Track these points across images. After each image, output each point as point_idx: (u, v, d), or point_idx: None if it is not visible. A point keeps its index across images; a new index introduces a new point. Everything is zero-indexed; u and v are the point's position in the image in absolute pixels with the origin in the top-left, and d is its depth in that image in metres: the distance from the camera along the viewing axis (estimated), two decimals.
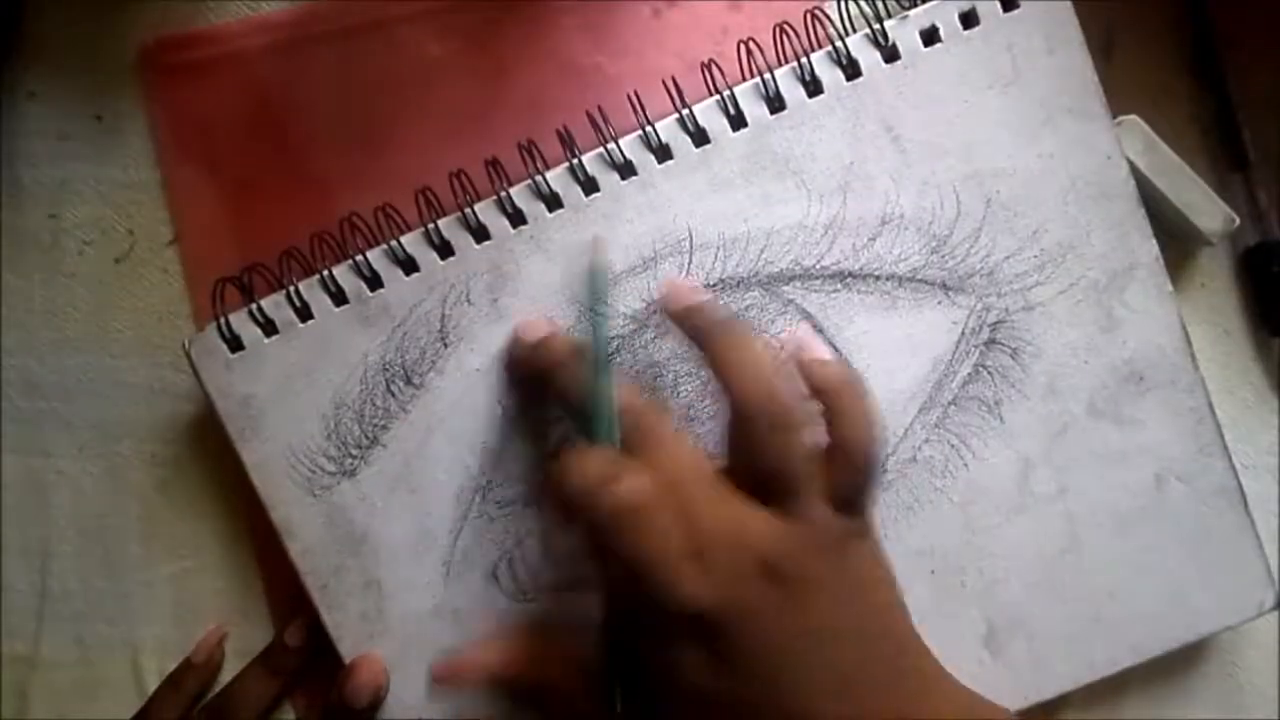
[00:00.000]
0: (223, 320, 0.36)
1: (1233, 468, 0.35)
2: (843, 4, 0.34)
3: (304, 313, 0.36)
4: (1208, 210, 0.35)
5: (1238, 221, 0.35)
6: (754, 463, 0.30)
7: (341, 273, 0.36)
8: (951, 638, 0.36)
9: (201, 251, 0.39)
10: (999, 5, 0.34)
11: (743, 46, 0.34)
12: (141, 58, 0.38)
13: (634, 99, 0.34)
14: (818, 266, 0.35)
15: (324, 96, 0.38)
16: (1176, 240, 0.36)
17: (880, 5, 0.34)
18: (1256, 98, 0.36)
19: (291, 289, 0.35)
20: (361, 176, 0.38)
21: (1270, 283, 0.37)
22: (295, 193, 0.38)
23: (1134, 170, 0.34)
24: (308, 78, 0.38)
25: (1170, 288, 0.35)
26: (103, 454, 0.39)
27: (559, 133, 0.35)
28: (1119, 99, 0.34)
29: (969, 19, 0.34)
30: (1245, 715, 0.37)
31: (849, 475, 0.30)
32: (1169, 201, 0.35)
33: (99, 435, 0.39)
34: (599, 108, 0.35)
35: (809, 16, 0.34)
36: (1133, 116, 0.35)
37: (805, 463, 0.30)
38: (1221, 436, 0.35)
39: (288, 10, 0.38)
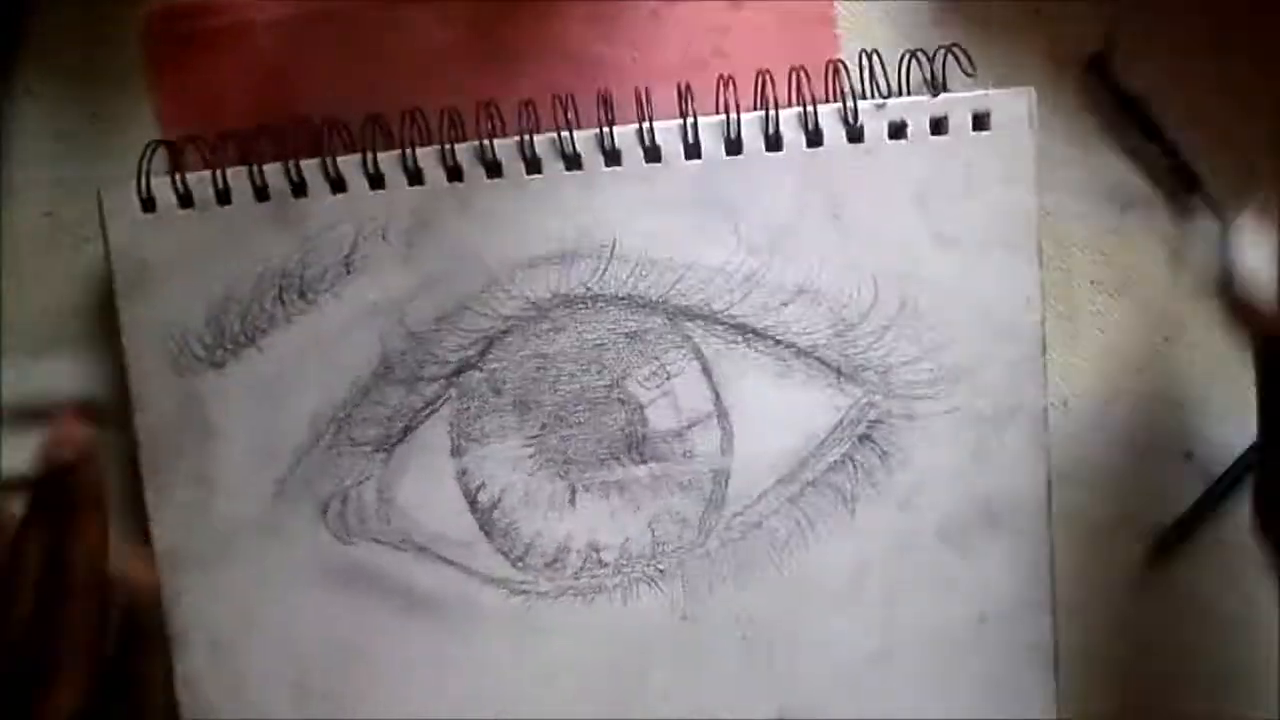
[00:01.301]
0: (144, 179, 0.36)
1: (1054, 627, 0.36)
2: (833, 74, 0.35)
3: (224, 196, 0.36)
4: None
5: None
6: None
7: (272, 171, 0.35)
8: (742, 712, 0.36)
9: None
10: (970, 121, 0.34)
11: (720, 81, 0.35)
12: (146, 25, 0.38)
13: (600, 101, 0.35)
14: (726, 314, 0.35)
15: (326, 72, 0.37)
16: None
17: (867, 85, 0.35)
18: (1192, 114, 0.37)
19: (219, 170, 0.35)
20: None
21: None
22: None
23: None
24: (311, 53, 0.37)
25: (1047, 441, 0.35)
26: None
27: (520, 106, 0.35)
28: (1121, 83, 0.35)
29: (939, 125, 0.34)
30: None
31: None
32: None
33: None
34: (566, 95, 0.35)
35: (794, 74, 0.35)
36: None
37: None
38: (1053, 596, 0.36)
39: None
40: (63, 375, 0.38)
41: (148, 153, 0.36)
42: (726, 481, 0.36)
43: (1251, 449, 0.37)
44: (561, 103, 0.35)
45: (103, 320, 0.38)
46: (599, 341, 0.35)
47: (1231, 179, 0.37)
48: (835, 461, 0.36)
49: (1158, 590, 0.38)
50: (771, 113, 0.34)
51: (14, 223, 0.39)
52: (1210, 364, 0.38)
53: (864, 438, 0.35)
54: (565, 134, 0.35)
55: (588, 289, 0.35)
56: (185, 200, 0.36)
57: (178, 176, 0.36)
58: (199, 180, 0.36)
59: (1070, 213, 0.37)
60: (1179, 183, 0.37)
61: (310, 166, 0.35)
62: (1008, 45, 0.37)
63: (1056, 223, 0.37)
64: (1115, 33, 0.37)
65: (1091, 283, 0.37)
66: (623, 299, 0.35)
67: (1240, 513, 0.37)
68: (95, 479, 0.31)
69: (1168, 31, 0.37)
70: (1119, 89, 0.36)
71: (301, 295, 0.36)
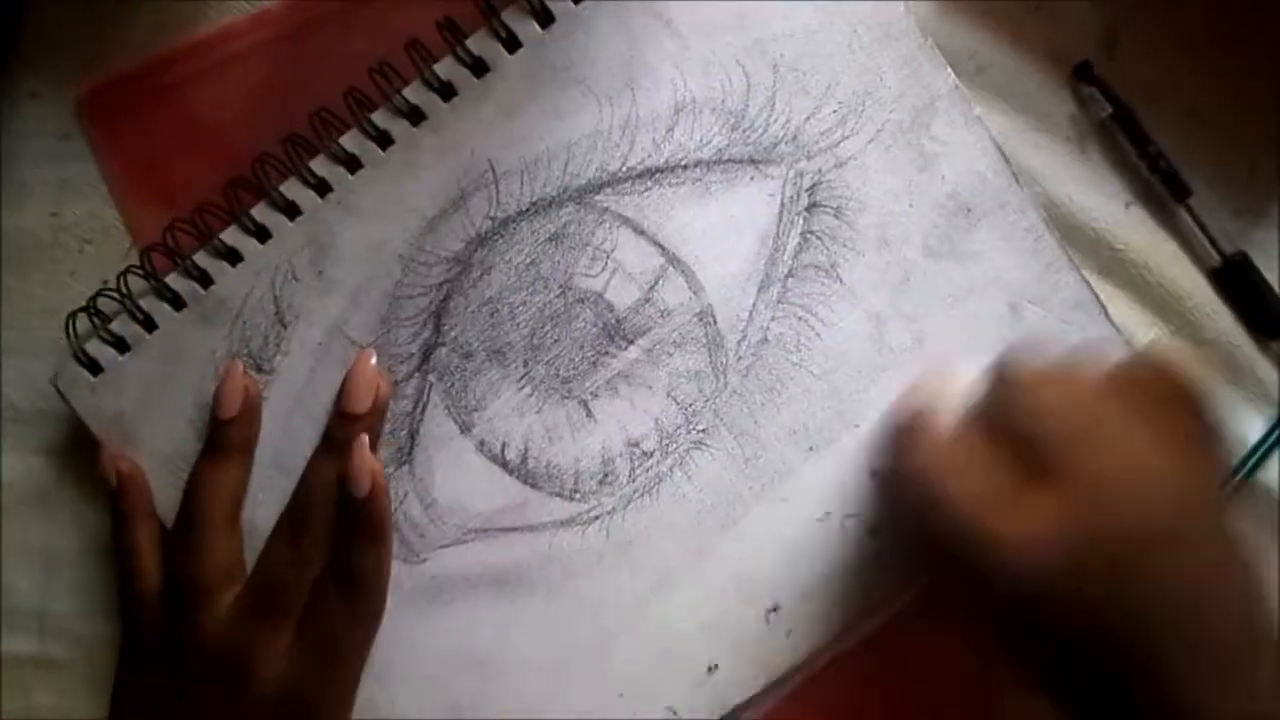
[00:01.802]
0: (78, 348, 0.37)
1: (1084, 280, 0.34)
2: None
3: (148, 324, 0.37)
4: None
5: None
6: None
7: (174, 278, 0.36)
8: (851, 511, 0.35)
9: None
10: None
11: None
12: (80, 109, 0.39)
13: (410, 47, 0.35)
14: (623, 169, 0.35)
15: (254, 112, 0.38)
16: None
17: None
18: (1178, 116, 0.36)
19: (130, 303, 0.36)
20: None
21: (1248, 294, 0.36)
22: None
23: None
24: (237, 96, 0.38)
25: (977, 112, 0.34)
26: None
27: (345, 95, 0.35)
28: (1122, 94, 0.35)
29: None
30: None
31: None
32: None
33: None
34: (383, 62, 0.35)
35: None
36: None
37: None
38: (1065, 251, 0.34)
39: (216, 30, 0.38)
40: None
41: (71, 324, 0.37)
42: (713, 317, 0.35)
43: (1261, 441, 0.36)
44: (377, 71, 0.35)
45: None
46: (529, 260, 0.35)
47: (1232, 179, 0.36)
48: (798, 244, 0.35)
49: None
50: None
51: (17, 223, 0.39)
52: (1220, 356, 0.37)
53: (811, 206, 0.35)
54: (396, 95, 0.35)
55: (492, 219, 0.35)
56: (120, 346, 0.37)
57: (102, 329, 0.37)
58: (122, 322, 0.37)
59: (1076, 209, 0.36)
60: (1168, 191, 0.36)
61: (201, 255, 0.36)
62: (1010, 44, 0.36)
63: (1061, 218, 0.36)
64: (1114, 33, 0.36)
65: (1099, 276, 0.36)
66: (527, 210, 0.35)
67: (1249, 505, 0.36)
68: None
69: (1167, 31, 0.36)
70: (1106, 98, 0.36)
71: (259, 369, 0.36)
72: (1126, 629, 0.28)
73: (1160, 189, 0.36)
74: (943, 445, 0.31)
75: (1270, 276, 0.36)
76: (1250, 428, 0.37)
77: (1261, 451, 0.36)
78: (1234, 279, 0.36)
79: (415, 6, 0.35)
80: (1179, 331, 0.37)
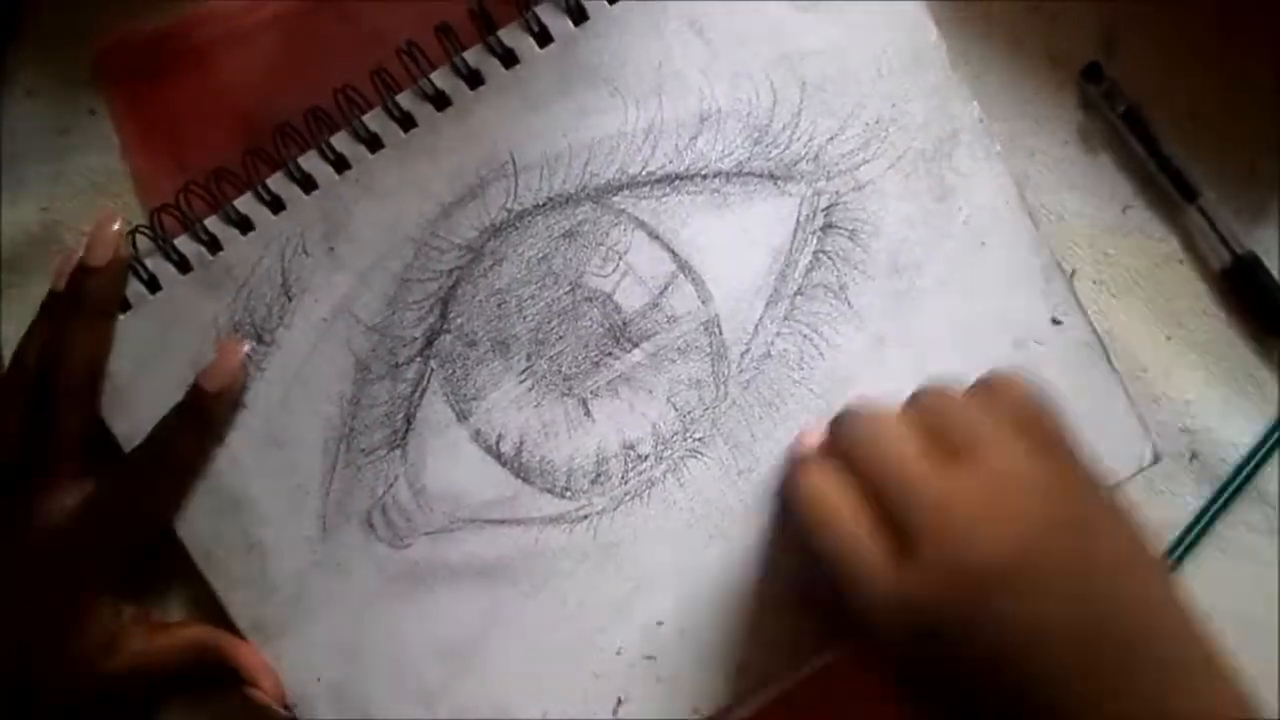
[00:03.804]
0: None
1: (1090, 323, 0.35)
2: None
3: (152, 284, 0.36)
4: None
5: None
6: None
7: (182, 241, 0.36)
8: None
9: None
10: None
11: None
12: (99, 63, 0.39)
13: (440, 32, 0.35)
14: (643, 173, 0.35)
15: (278, 79, 0.38)
16: None
17: None
18: (1177, 117, 0.36)
19: (136, 262, 0.36)
20: None
21: (1258, 293, 0.37)
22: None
23: None
24: (262, 63, 0.38)
25: (998, 148, 0.34)
26: None
27: (372, 73, 0.35)
28: (1121, 94, 0.36)
29: None
30: None
31: None
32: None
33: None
34: (409, 42, 0.35)
35: None
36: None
37: None
38: (1074, 293, 0.35)
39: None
40: None
41: None
42: (719, 328, 0.35)
43: (1261, 444, 0.36)
44: (406, 53, 0.35)
45: None
46: (541, 254, 0.35)
47: (1231, 179, 0.36)
48: (810, 262, 0.35)
49: None
50: None
51: (14, 219, 0.39)
52: (1214, 363, 0.37)
53: (826, 227, 0.35)
54: (423, 79, 0.35)
55: (508, 211, 0.35)
56: (122, 304, 0.36)
57: None
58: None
59: (1072, 212, 0.37)
60: (1177, 192, 0.36)
61: (213, 220, 0.36)
62: (1008, 45, 0.37)
63: (1058, 222, 0.36)
64: (1113, 34, 0.36)
65: (1094, 282, 0.37)
66: (544, 204, 0.35)
67: (1246, 512, 0.37)
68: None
69: (1167, 32, 0.36)
70: (1114, 100, 0.36)
71: (259, 339, 0.36)
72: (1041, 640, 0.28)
73: (1169, 189, 0.36)
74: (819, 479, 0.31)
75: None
76: (1249, 431, 0.37)
77: (1261, 454, 0.36)
78: (1244, 278, 0.36)
79: None
80: (1175, 336, 0.37)
